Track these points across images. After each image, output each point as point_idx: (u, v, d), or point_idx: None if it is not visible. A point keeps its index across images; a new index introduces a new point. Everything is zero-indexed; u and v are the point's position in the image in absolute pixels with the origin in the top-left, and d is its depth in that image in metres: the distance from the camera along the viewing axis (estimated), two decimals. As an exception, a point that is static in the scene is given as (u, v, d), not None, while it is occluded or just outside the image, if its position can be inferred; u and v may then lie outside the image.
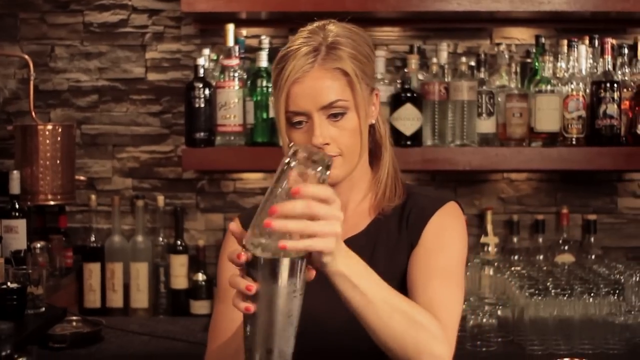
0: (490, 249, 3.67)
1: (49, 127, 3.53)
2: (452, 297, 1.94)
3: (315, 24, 2.06)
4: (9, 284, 2.83)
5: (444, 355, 1.79)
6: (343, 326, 1.94)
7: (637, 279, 3.35)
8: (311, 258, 1.63)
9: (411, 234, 2.03)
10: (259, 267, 1.55)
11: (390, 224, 2.07)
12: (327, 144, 1.96)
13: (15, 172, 3.38)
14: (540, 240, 3.75)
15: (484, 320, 3.24)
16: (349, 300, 1.72)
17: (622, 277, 3.35)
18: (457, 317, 1.93)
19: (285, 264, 1.54)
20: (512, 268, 3.47)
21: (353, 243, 1.95)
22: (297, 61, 1.96)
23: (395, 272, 2.00)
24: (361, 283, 1.71)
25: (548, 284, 3.23)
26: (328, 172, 1.61)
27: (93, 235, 3.81)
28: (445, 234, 2.02)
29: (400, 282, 1.97)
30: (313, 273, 1.66)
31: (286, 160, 1.57)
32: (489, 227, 3.70)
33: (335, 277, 1.68)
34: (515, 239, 3.75)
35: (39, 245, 3.37)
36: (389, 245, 2.04)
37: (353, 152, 2.01)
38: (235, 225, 1.67)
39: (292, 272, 1.55)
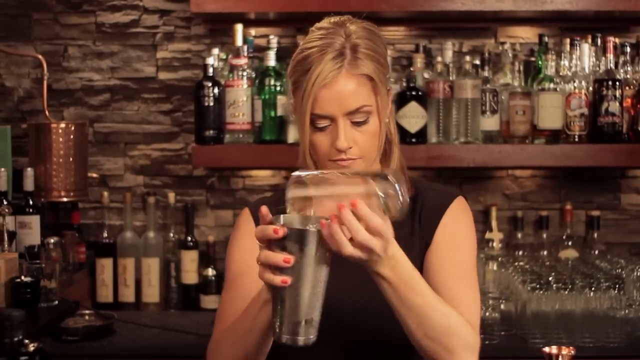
0: (494, 244, 3.72)
1: (62, 125, 3.60)
2: (472, 296, 1.99)
3: (333, 20, 2.06)
4: (22, 277, 2.90)
5: (472, 357, 1.86)
6: (354, 310, 2.00)
7: (638, 273, 3.41)
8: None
9: (425, 231, 2.08)
10: (295, 240, 1.67)
11: (403, 222, 2.03)
12: (350, 147, 1.99)
13: (29, 169, 3.44)
14: (545, 236, 3.79)
15: (487, 314, 3.30)
16: (387, 298, 1.79)
17: (623, 272, 3.40)
18: (479, 314, 1.99)
19: (319, 235, 1.67)
20: (516, 263, 3.52)
21: None
22: (324, 65, 1.97)
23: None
24: (400, 287, 1.78)
25: (550, 278, 3.28)
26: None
27: (105, 231, 3.86)
28: (458, 233, 2.07)
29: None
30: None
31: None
32: (494, 223, 3.76)
33: (376, 277, 1.77)
34: (519, 235, 3.79)
35: (52, 240, 3.41)
36: (401, 239, 1.99)
37: (372, 154, 2.05)
38: (265, 209, 1.73)
39: (324, 243, 1.68)
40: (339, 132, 1.97)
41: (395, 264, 1.76)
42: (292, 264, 1.67)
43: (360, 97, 1.98)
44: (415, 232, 2.09)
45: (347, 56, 1.96)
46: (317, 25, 2.07)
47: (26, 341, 1.53)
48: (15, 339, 1.53)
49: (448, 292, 1.96)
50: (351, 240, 1.69)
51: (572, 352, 1.70)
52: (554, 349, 1.69)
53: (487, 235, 3.75)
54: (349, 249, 1.69)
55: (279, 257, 1.68)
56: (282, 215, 1.75)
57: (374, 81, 1.98)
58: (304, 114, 2.00)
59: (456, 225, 2.07)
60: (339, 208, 1.68)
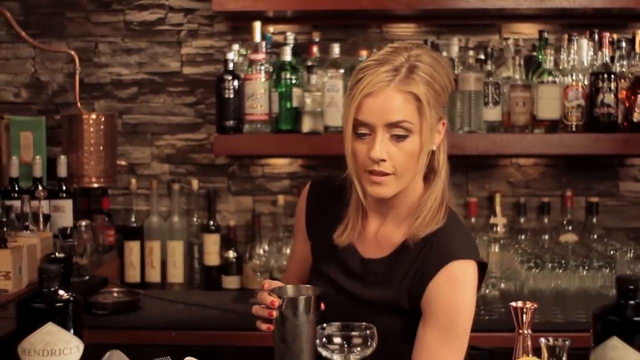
0: (498, 229, 3.90)
1: (93, 116, 3.80)
2: None
3: (405, 43, 2.14)
4: (56, 253, 3.14)
5: None
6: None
7: (632, 255, 3.60)
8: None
9: (414, 284, 2.14)
10: (289, 306, 1.99)
11: (405, 262, 2.17)
12: (383, 160, 2.06)
13: (62, 157, 3.65)
14: (546, 221, 3.96)
15: (488, 291, 3.50)
16: None
17: (617, 253, 3.60)
18: None
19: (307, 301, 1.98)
20: (517, 246, 3.73)
21: (370, 267, 2.20)
22: (375, 76, 2.05)
23: (395, 304, 2.15)
24: None
25: (545, 258, 3.49)
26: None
27: (133, 216, 4.04)
28: (445, 299, 2.10)
29: (393, 311, 2.16)
30: (323, 306, 2.01)
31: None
32: (498, 209, 3.94)
33: None
34: (522, 220, 3.97)
35: (83, 223, 3.61)
36: (395, 284, 2.16)
37: (406, 174, 2.10)
38: (267, 285, 2.07)
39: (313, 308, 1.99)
40: (375, 141, 2.06)
41: None
42: (289, 326, 1.96)
43: (404, 112, 2.05)
44: (410, 275, 2.15)
45: (401, 73, 2.05)
46: (389, 44, 2.16)
47: (61, 291, 1.78)
48: (52, 288, 1.77)
49: None
50: None
51: (535, 306, 1.92)
52: (519, 304, 1.91)
53: (492, 220, 3.93)
54: None
55: (265, 312, 2.00)
56: (278, 287, 2.06)
57: (420, 102, 2.05)
58: (347, 118, 2.09)
59: (441, 296, 2.11)
60: None
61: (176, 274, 4.00)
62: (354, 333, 1.76)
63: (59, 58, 4.12)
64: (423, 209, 2.16)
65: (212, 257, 4.00)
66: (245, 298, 3.64)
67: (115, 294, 3.55)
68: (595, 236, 3.87)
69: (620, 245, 3.69)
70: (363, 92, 2.06)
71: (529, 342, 1.92)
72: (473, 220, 3.91)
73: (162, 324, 3.33)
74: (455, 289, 2.11)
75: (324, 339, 1.75)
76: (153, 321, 3.37)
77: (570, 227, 3.92)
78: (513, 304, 1.91)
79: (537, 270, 3.47)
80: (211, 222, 4.00)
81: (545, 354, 1.71)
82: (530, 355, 1.91)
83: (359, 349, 1.75)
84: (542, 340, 1.71)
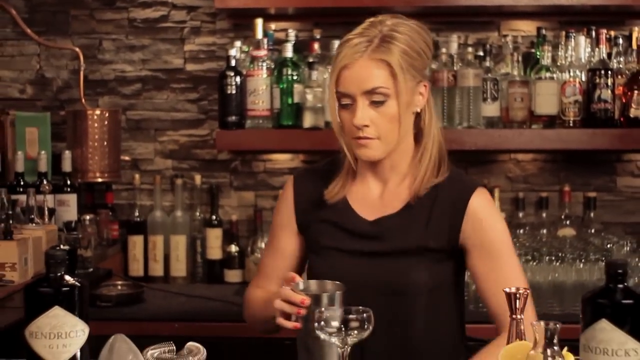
0: (497, 223, 3.96)
1: (97, 112, 3.86)
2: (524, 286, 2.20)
3: (380, 17, 2.30)
4: (61, 246, 3.20)
5: None
6: (375, 293, 2.23)
7: (628, 249, 3.66)
8: None
9: (449, 227, 2.28)
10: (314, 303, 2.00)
11: (421, 213, 2.30)
12: (366, 125, 2.20)
13: (67, 152, 3.72)
14: (544, 215, 4.00)
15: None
16: None
17: (614, 247, 3.65)
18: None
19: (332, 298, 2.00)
20: (515, 239, 3.78)
21: (386, 223, 2.30)
22: (349, 49, 2.21)
23: (422, 257, 2.28)
24: None
25: (543, 251, 3.54)
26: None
27: (137, 211, 4.09)
28: (489, 231, 2.29)
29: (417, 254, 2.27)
30: None
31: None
32: (497, 204, 3.98)
33: None
34: (521, 215, 4.01)
35: (88, 217, 3.67)
36: (415, 234, 2.28)
37: (390, 137, 2.24)
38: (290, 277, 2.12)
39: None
40: (357, 109, 2.21)
41: None
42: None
43: (377, 79, 2.20)
44: (431, 227, 2.28)
45: (373, 43, 2.21)
46: (368, 19, 2.31)
47: (67, 276, 1.84)
48: (59, 273, 1.83)
49: (495, 303, 2.26)
50: None
51: (528, 291, 1.97)
52: (513, 289, 1.96)
53: (491, 214, 3.98)
54: None
55: (293, 309, 2.01)
56: (300, 281, 2.07)
57: (392, 68, 2.19)
58: (331, 91, 2.27)
59: (485, 227, 2.30)
60: None
61: (179, 268, 4.05)
62: (351, 316, 1.81)
63: (64, 55, 4.17)
64: (420, 168, 2.30)
65: (215, 251, 4.04)
66: (247, 291, 3.69)
67: (119, 287, 3.60)
68: (592, 230, 3.91)
69: (617, 239, 3.75)
70: (340, 65, 2.23)
71: (522, 327, 1.97)
72: (472, 214, 3.95)
73: (165, 316, 3.39)
74: (491, 213, 2.32)
75: (322, 323, 1.80)
76: (156, 313, 3.42)
77: (568, 222, 3.96)
78: (507, 289, 1.97)
79: (535, 263, 3.52)
80: (214, 217, 4.05)
81: (537, 336, 1.76)
82: (523, 339, 1.96)
83: (356, 332, 1.80)
84: (534, 323, 1.76)
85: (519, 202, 4.03)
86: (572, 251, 3.56)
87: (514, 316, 1.97)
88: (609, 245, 3.66)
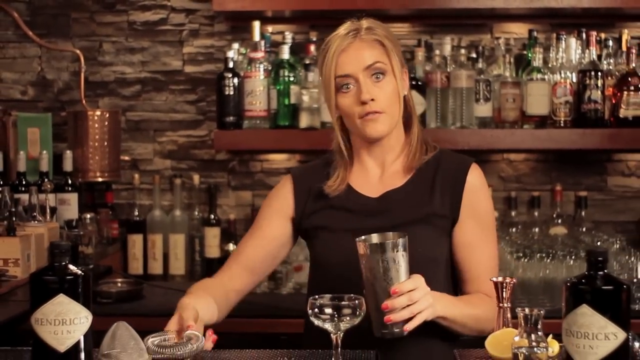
0: (490, 222, 4.02)
1: (98, 113, 3.93)
2: (496, 265, 2.49)
3: (355, 20, 2.46)
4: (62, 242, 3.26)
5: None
6: None
7: (617, 246, 3.73)
8: None
9: (446, 195, 2.42)
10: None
11: (424, 186, 2.45)
12: (372, 99, 2.36)
13: (68, 152, 3.79)
14: (536, 214, 4.08)
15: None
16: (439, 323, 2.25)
17: (604, 244, 3.73)
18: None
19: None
20: (507, 238, 3.85)
21: (393, 196, 2.44)
22: (341, 39, 2.38)
23: (429, 226, 2.41)
24: (447, 313, 2.23)
25: (534, 248, 3.61)
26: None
27: (136, 210, 4.16)
28: (478, 204, 2.45)
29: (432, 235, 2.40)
30: None
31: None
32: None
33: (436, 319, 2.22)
34: (513, 213, 4.09)
35: (88, 216, 3.72)
36: (421, 204, 2.42)
37: (393, 112, 2.39)
38: None
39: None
40: (361, 86, 2.36)
41: (440, 302, 2.22)
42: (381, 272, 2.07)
43: (374, 54, 2.37)
44: (435, 198, 2.42)
45: (360, 32, 2.39)
46: (347, 21, 2.47)
47: (71, 266, 1.91)
48: (63, 263, 1.90)
49: (474, 267, 2.43)
50: None
51: (514, 281, 2.05)
52: (500, 279, 2.04)
53: (484, 213, 4.05)
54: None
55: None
56: (363, 237, 2.14)
57: (385, 46, 2.38)
58: (329, 81, 2.40)
59: (478, 198, 2.45)
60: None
61: (178, 266, 4.11)
62: (343, 303, 1.88)
63: (65, 57, 4.25)
64: (411, 147, 2.46)
65: (213, 250, 4.10)
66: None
67: (119, 284, 3.63)
68: (584, 229, 3.97)
69: (608, 237, 3.82)
70: (336, 52, 2.38)
71: (509, 315, 2.05)
72: (465, 213, 4.02)
73: (165, 311, 3.35)
74: (485, 188, 2.49)
75: (316, 310, 1.88)
76: (156, 309, 3.43)
77: (559, 220, 4.04)
78: (494, 279, 2.05)
79: (526, 260, 3.58)
80: (212, 216, 4.11)
81: (522, 322, 1.83)
82: (510, 326, 2.04)
83: (348, 317, 1.87)
84: (519, 310, 1.83)
85: (511, 201, 4.12)
86: (563, 248, 3.63)
87: (500, 305, 2.05)
88: (599, 243, 3.73)
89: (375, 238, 2.12)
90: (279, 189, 2.59)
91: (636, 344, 1.96)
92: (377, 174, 2.50)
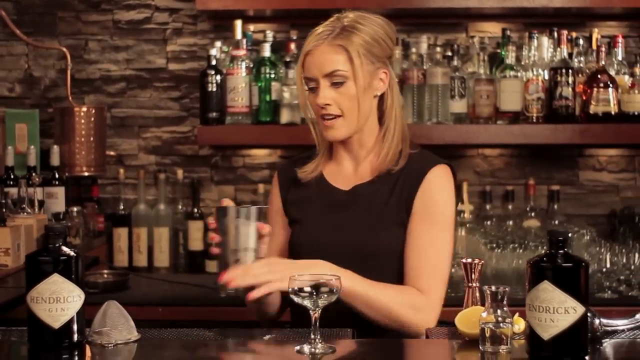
0: (465, 215, 4.14)
1: (84, 109, 4.02)
2: (440, 271, 2.45)
3: (346, 12, 2.51)
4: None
5: (423, 323, 2.35)
6: (350, 258, 2.40)
7: (588, 238, 3.85)
8: None
9: (405, 194, 2.47)
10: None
11: (388, 183, 2.50)
12: (328, 104, 2.44)
13: (55, 146, 3.87)
14: (510, 208, 4.20)
15: (454, 270, 3.73)
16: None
17: (575, 236, 3.85)
18: (442, 285, 2.45)
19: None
20: (482, 230, 3.98)
21: (359, 190, 2.53)
22: (312, 37, 2.45)
23: (388, 221, 2.47)
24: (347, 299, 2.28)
25: (507, 239, 3.73)
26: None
27: (121, 204, 4.25)
28: (432, 201, 2.46)
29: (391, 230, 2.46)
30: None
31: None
32: (465, 197, 4.18)
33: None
34: (488, 207, 4.21)
35: (75, 209, 3.84)
36: (383, 202, 2.48)
37: (351, 115, 2.45)
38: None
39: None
40: (319, 90, 2.45)
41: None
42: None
43: (335, 63, 2.43)
44: (394, 194, 2.49)
45: (334, 33, 2.44)
46: (336, 14, 2.53)
47: (64, 247, 2.02)
48: (57, 244, 2.02)
49: (413, 261, 2.42)
50: None
51: (482, 262, 2.18)
52: (469, 260, 2.17)
53: (459, 207, 4.15)
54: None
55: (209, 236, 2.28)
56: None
57: (349, 52, 2.42)
58: (299, 77, 2.50)
59: (431, 196, 2.47)
60: None
61: (162, 259, 4.20)
62: (321, 282, 1.99)
63: (51, 55, 4.34)
64: (383, 147, 2.51)
65: (196, 243, 4.20)
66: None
67: (105, 275, 3.72)
68: (556, 222, 4.08)
69: (579, 229, 3.94)
70: (304, 52, 2.47)
71: (477, 294, 2.18)
72: (441, 207, 4.12)
73: (150, 301, 3.51)
74: (443, 186, 2.49)
75: (296, 288, 1.99)
76: (141, 298, 3.53)
77: (533, 214, 4.15)
78: (463, 260, 2.17)
79: (500, 251, 3.71)
80: (195, 210, 4.20)
81: (488, 299, 1.96)
82: (477, 305, 2.17)
83: (325, 295, 1.99)
84: (485, 288, 1.96)
85: (486, 195, 4.23)
86: (535, 239, 3.76)
87: (469, 284, 2.18)
88: (570, 235, 3.84)
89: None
90: (272, 188, 2.70)
91: (596, 321, 2.09)
92: (351, 167, 2.59)
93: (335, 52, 2.43)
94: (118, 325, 2.07)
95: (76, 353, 2.03)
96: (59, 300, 1.99)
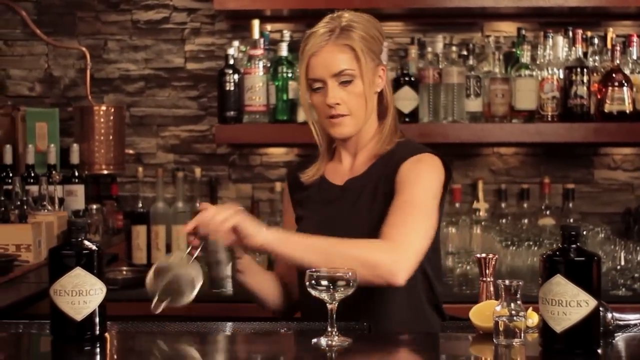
0: (481, 213, 4.18)
1: (103, 108, 4.07)
2: (408, 220, 2.36)
3: (338, 12, 2.57)
4: (72, 230, 3.41)
5: (389, 262, 2.28)
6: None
7: (602, 236, 3.88)
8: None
9: (387, 180, 2.50)
10: None
11: (377, 175, 2.53)
12: (337, 103, 2.48)
13: (75, 145, 3.93)
14: (525, 206, 4.22)
15: (468, 268, 3.78)
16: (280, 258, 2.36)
17: (590, 234, 3.88)
18: (416, 238, 2.35)
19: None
20: (497, 228, 4.01)
21: (354, 183, 2.56)
22: (315, 39, 2.50)
23: (377, 212, 2.47)
24: (283, 250, 2.32)
25: (522, 237, 3.77)
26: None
27: (140, 202, 4.28)
28: (411, 175, 2.45)
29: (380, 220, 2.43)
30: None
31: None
32: (480, 195, 4.21)
33: (260, 249, 2.34)
34: (503, 205, 4.24)
35: (94, 207, 3.89)
36: (371, 192, 2.51)
37: (359, 113, 2.51)
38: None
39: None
40: (328, 91, 2.48)
41: (266, 233, 2.30)
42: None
43: (343, 62, 2.47)
44: (380, 185, 2.51)
45: (335, 33, 2.49)
46: (329, 15, 2.60)
47: (86, 242, 2.07)
48: (79, 239, 2.06)
49: (389, 221, 2.37)
50: None
51: (496, 257, 2.21)
52: (483, 255, 2.20)
53: (475, 205, 4.20)
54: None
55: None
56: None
57: (355, 51, 2.47)
58: (302, 78, 2.53)
59: (411, 170, 2.46)
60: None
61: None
62: (338, 275, 2.03)
63: (71, 55, 4.39)
64: (379, 141, 2.56)
65: (213, 240, 4.23)
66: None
67: (124, 272, 3.81)
68: (571, 220, 4.09)
69: (594, 227, 3.97)
70: (308, 54, 2.50)
71: (492, 289, 2.22)
72: (457, 205, 4.17)
73: (169, 296, 3.59)
74: (420, 167, 2.47)
75: (313, 281, 2.03)
76: (160, 294, 3.62)
77: (548, 212, 4.18)
78: (478, 255, 2.21)
79: (515, 248, 3.74)
80: (212, 208, 4.24)
81: (502, 293, 1.99)
82: (492, 299, 2.20)
83: (342, 288, 2.03)
84: (499, 282, 1.99)
85: (501, 193, 4.26)
86: (550, 237, 3.79)
87: (483, 279, 2.21)
88: (584, 233, 3.88)
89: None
90: (283, 189, 2.79)
91: (609, 315, 2.13)
92: (349, 163, 2.63)
93: (341, 51, 2.47)
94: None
95: (98, 345, 2.07)
96: (81, 294, 2.04)
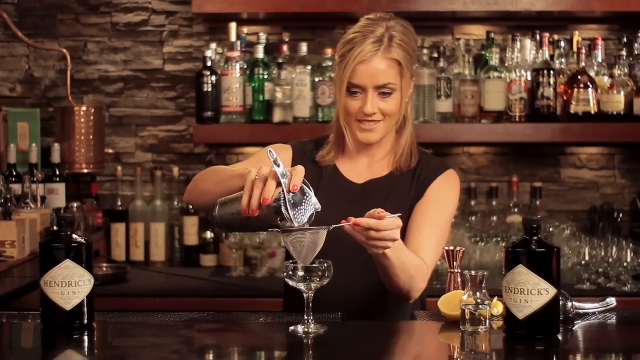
0: (451, 210, 4.29)
1: (84, 108, 4.15)
2: (435, 245, 2.55)
3: (379, 14, 2.65)
4: (54, 227, 3.50)
5: (423, 289, 2.50)
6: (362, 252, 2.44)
7: (568, 232, 4.01)
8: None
9: (419, 190, 2.64)
10: None
11: (405, 180, 2.66)
12: (374, 113, 2.56)
13: (56, 144, 4.01)
14: (494, 204, 4.35)
15: (439, 263, 3.88)
16: (383, 267, 2.37)
17: (556, 230, 4.01)
18: (436, 260, 2.58)
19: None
20: (467, 225, 4.13)
21: (375, 184, 2.67)
22: (365, 47, 2.51)
23: (405, 206, 2.60)
24: (393, 255, 2.35)
25: (491, 234, 3.89)
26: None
27: (119, 200, 4.39)
28: (442, 194, 2.64)
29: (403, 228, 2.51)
30: None
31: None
32: (451, 193, 4.33)
33: (380, 257, 2.34)
34: (473, 203, 4.36)
35: (75, 205, 3.97)
36: (400, 197, 2.63)
37: (390, 122, 2.61)
38: None
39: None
40: (367, 100, 2.56)
41: (398, 246, 2.34)
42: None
43: (389, 76, 2.55)
44: (412, 190, 2.64)
45: (384, 43, 2.55)
46: (366, 16, 2.66)
47: (75, 235, 2.17)
48: (68, 232, 2.17)
49: (419, 238, 2.53)
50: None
51: (463, 249, 2.33)
52: (451, 248, 2.33)
53: (445, 203, 4.32)
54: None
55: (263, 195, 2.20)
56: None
57: (401, 66, 2.56)
58: (342, 81, 2.58)
59: (443, 188, 2.64)
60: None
61: (158, 253, 4.34)
62: (314, 266, 2.15)
63: (52, 56, 4.47)
64: (399, 147, 2.67)
65: (192, 238, 4.33)
66: (222, 273, 4.05)
67: (104, 268, 3.90)
68: (539, 217, 4.22)
69: (560, 224, 4.10)
70: (356, 60, 2.53)
71: (459, 280, 2.34)
72: (428, 203, 4.27)
73: (147, 292, 3.69)
74: (449, 188, 2.66)
75: (291, 272, 2.15)
76: (139, 290, 3.72)
77: (516, 210, 4.30)
78: (446, 247, 2.33)
79: (483, 244, 3.86)
80: (190, 206, 4.31)
81: (469, 283, 2.12)
82: (459, 289, 2.32)
83: (318, 279, 2.14)
84: (466, 272, 2.12)
85: (471, 191, 4.38)
86: (518, 234, 3.91)
87: (451, 270, 2.33)
88: (551, 229, 4.01)
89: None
90: (279, 147, 2.69)
91: (569, 304, 2.26)
92: (365, 164, 2.72)
93: (390, 65, 2.54)
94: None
95: (86, 333, 2.18)
96: (71, 284, 2.14)
